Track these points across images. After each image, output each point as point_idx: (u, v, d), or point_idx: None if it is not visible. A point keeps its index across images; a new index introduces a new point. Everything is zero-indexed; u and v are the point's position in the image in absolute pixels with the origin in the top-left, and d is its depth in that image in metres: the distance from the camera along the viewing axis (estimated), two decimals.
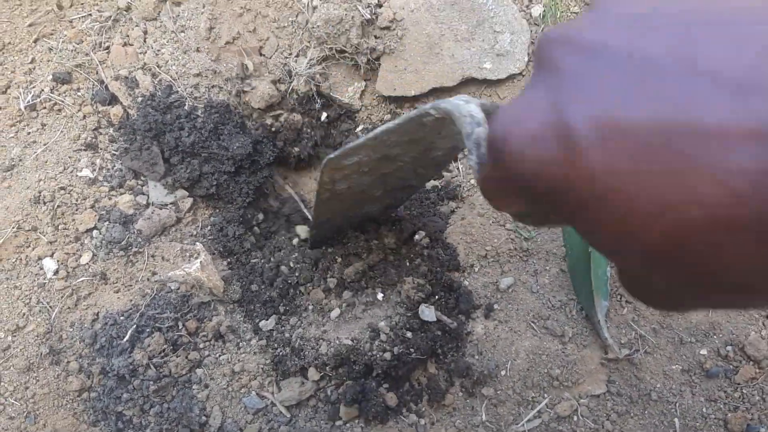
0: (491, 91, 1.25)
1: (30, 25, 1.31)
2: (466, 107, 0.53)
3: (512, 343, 1.12)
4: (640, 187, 0.29)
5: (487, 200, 0.46)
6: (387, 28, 1.24)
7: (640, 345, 1.12)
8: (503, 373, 1.11)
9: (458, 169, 1.26)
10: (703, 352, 1.13)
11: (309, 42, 1.25)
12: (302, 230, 1.27)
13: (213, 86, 1.25)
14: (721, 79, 0.28)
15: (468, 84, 1.25)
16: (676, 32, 0.31)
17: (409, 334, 1.07)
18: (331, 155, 0.83)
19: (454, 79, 1.24)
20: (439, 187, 1.27)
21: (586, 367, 1.11)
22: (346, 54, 1.25)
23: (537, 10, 1.25)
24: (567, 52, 0.35)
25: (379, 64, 1.26)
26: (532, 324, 1.12)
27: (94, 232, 1.18)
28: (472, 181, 1.25)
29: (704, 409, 1.11)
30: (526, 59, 1.23)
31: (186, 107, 1.22)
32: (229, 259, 1.23)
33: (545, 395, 1.10)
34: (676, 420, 1.10)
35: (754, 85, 0.27)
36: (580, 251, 1.12)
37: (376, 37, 1.24)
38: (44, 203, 1.18)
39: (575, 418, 1.09)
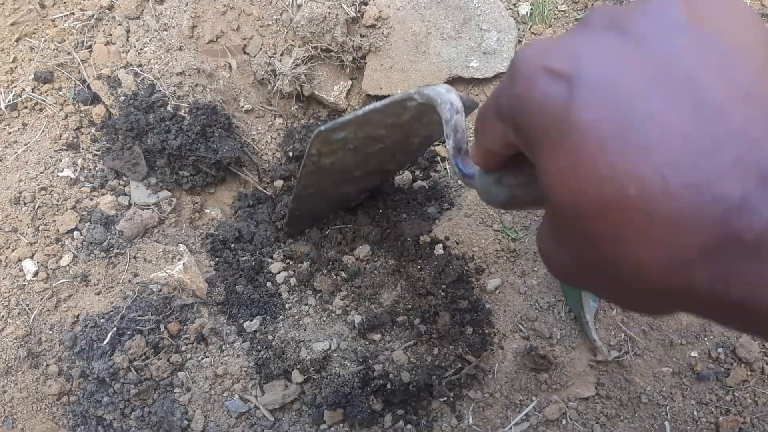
0: (479, 90, 1.24)
1: (12, 24, 1.29)
2: (447, 95, 0.59)
3: (500, 346, 1.10)
4: (605, 154, 0.33)
5: (477, 126, 0.48)
6: (372, 26, 1.22)
7: (629, 347, 1.10)
8: (490, 375, 1.09)
9: (446, 169, 1.25)
10: (694, 354, 1.11)
11: (294, 41, 1.24)
12: (276, 267, 1.22)
13: (197, 85, 1.23)
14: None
15: (455, 83, 1.24)
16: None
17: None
18: (322, 128, 0.86)
19: (440, 78, 1.22)
20: (427, 188, 1.25)
21: (575, 369, 1.09)
22: (332, 53, 1.24)
23: (524, 8, 1.23)
24: (614, 22, 0.38)
25: (365, 63, 1.25)
26: (520, 326, 1.11)
27: (75, 233, 1.16)
28: (460, 182, 1.23)
29: (695, 413, 1.09)
30: None
31: (169, 107, 1.20)
32: (216, 259, 1.21)
33: (533, 398, 1.08)
34: (666, 423, 1.08)
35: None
36: None
37: (361, 35, 1.23)
38: (25, 204, 1.16)
39: (564, 422, 1.08)
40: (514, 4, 1.24)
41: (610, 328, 1.11)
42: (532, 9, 1.23)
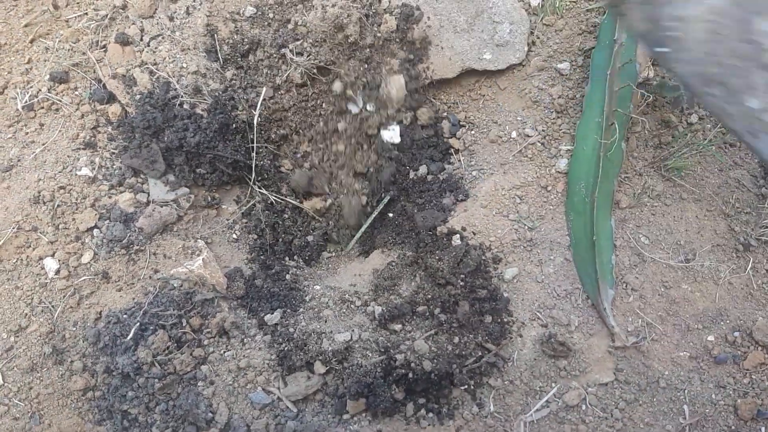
0: (491, 82, 1.25)
1: (26, 26, 1.30)
2: None
3: (518, 334, 1.11)
4: None
5: None
6: (386, 22, 1.23)
7: (647, 332, 1.11)
8: (510, 363, 1.10)
9: (460, 161, 1.26)
10: (711, 338, 1.12)
11: (307, 37, 1.25)
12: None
13: (211, 83, 1.24)
14: None
15: (468, 75, 1.25)
16: None
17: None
18: None
19: (453, 71, 1.23)
20: (441, 179, 1.26)
21: (594, 355, 1.11)
22: (345, 49, 1.25)
23: (536, 0, 1.24)
24: None
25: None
26: (538, 313, 1.12)
27: (95, 231, 1.17)
28: (474, 173, 1.24)
29: (713, 396, 1.10)
30: (526, 49, 1.22)
31: (186, 106, 1.21)
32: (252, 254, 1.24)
33: (553, 384, 1.09)
34: (685, 407, 1.10)
35: None
36: (585, 240, 1.12)
37: (375, 35, 1.24)
38: (44, 203, 1.17)
39: (583, 407, 1.09)
40: None
41: (627, 314, 1.12)
42: (543, 0, 1.24)
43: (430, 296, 1.10)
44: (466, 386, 1.07)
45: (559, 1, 1.24)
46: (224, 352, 1.11)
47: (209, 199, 1.25)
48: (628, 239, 1.15)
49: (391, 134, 1.26)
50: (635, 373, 1.11)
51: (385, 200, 1.29)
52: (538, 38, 1.24)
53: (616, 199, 1.16)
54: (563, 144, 1.19)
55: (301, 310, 1.17)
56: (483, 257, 1.13)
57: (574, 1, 1.25)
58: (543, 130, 1.20)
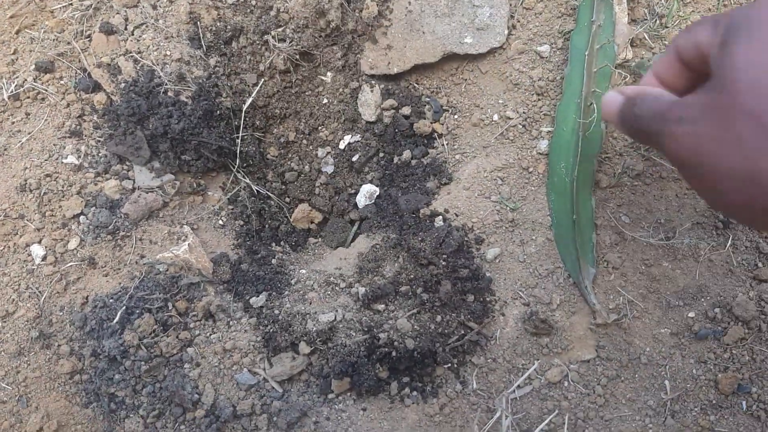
0: (473, 66, 1.26)
1: (11, 17, 1.31)
2: None
3: (501, 312, 1.12)
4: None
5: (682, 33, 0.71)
6: (367, 8, 1.24)
7: (628, 310, 1.13)
8: (492, 341, 1.11)
9: (443, 145, 1.27)
10: (691, 314, 1.14)
11: (289, 23, 1.26)
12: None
13: (194, 70, 1.25)
14: None
15: (450, 59, 1.26)
16: None
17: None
18: None
19: (435, 55, 1.25)
20: (425, 164, 1.27)
21: (575, 333, 1.12)
22: (327, 35, 1.26)
23: None
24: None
25: (363, 44, 1.27)
26: (520, 292, 1.13)
27: (81, 217, 1.18)
28: (457, 156, 1.25)
29: (694, 371, 1.12)
30: (506, 32, 1.23)
31: (170, 93, 1.23)
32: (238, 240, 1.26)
33: (535, 362, 1.11)
34: (666, 382, 1.11)
35: None
36: (566, 220, 1.13)
37: (356, 20, 1.25)
38: (30, 191, 1.18)
39: (566, 384, 1.10)
40: None
41: (609, 293, 1.14)
42: None
43: (412, 276, 1.11)
44: (449, 364, 1.09)
45: None
46: (210, 334, 1.13)
47: (195, 185, 1.26)
48: (609, 218, 1.17)
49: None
50: (617, 350, 1.12)
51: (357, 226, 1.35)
52: (519, 21, 1.25)
53: (597, 179, 1.17)
54: (544, 126, 1.20)
55: (287, 293, 1.18)
56: (465, 238, 1.14)
57: None
58: (524, 113, 1.22)
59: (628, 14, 1.26)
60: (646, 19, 1.26)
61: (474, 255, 1.14)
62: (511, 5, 1.25)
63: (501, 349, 1.11)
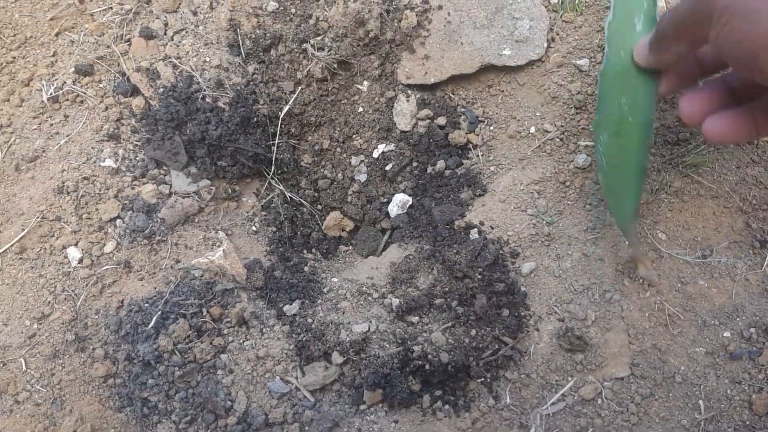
0: (510, 78, 1.26)
1: (51, 19, 1.33)
2: None
3: (535, 327, 1.12)
4: None
5: None
6: (406, 18, 1.24)
7: (669, 325, 1.12)
8: (526, 357, 1.11)
9: (478, 156, 1.27)
10: (727, 334, 1.13)
11: (328, 32, 1.26)
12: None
13: (233, 77, 1.26)
14: None
15: (487, 71, 1.26)
16: None
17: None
18: None
19: (473, 66, 1.24)
20: (459, 174, 1.27)
21: (610, 350, 1.11)
22: (365, 44, 1.26)
23: None
24: None
25: (401, 54, 1.27)
26: (555, 308, 1.12)
27: (118, 221, 1.19)
28: (492, 168, 1.25)
29: (729, 391, 1.11)
30: (545, 45, 1.23)
31: (208, 99, 1.23)
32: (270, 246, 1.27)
33: (569, 378, 1.10)
34: (700, 402, 1.10)
35: None
36: (629, 165, 1.00)
37: (396, 29, 1.25)
38: (68, 193, 1.19)
39: (599, 401, 1.09)
40: None
41: (644, 309, 1.13)
42: None
43: (447, 289, 1.11)
44: (482, 379, 1.08)
45: None
46: (243, 341, 1.13)
47: (230, 191, 1.27)
48: (646, 235, 1.16)
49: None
50: (651, 368, 1.11)
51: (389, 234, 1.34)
52: (558, 35, 1.25)
53: None
54: (582, 140, 1.20)
55: (319, 301, 1.19)
56: (501, 251, 1.14)
57: None
58: (561, 126, 1.21)
59: None
60: None
61: (509, 269, 1.13)
62: (550, 18, 1.24)
63: (535, 364, 1.10)
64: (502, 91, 1.27)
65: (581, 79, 1.23)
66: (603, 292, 1.13)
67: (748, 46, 0.64)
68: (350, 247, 1.37)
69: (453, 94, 1.30)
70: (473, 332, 1.09)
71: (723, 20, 0.66)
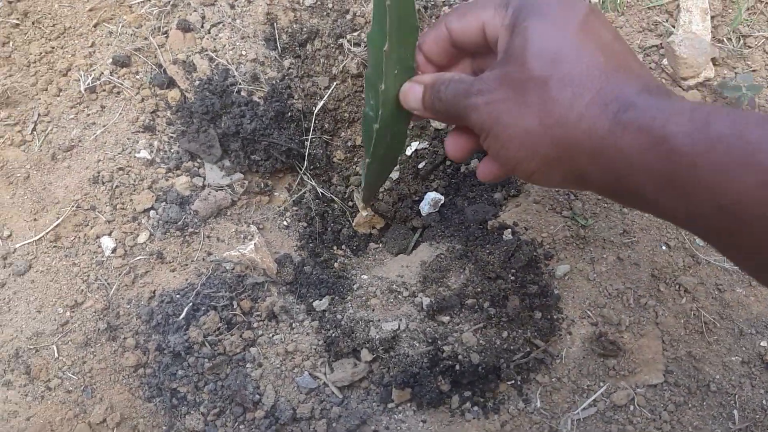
0: None
1: (90, 10, 1.34)
2: None
3: (568, 331, 1.10)
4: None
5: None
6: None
7: (705, 332, 1.10)
8: (558, 360, 1.09)
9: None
10: (764, 344, 1.10)
11: (365, 28, 1.26)
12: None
13: (268, 71, 1.26)
14: None
15: None
16: None
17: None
18: None
19: None
20: None
21: (643, 356, 1.09)
22: None
23: None
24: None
25: None
26: (588, 311, 1.11)
27: (152, 212, 1.19)
28: None
29: (764, 401, 1.08)
30: None
31: (244, 93, 1.23)
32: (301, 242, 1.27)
33: (601, 383, 1.08)
34: (735, 412, 1.08)
35: None
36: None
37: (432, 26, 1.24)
38: (103, 183, 1.20)
39: (631, 408, 1.08)
40: None
41: (679, 316, 1.11)
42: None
43: (479, 289, 1.10)
44: (512, 381, 1.07)
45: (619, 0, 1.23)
46: (273, 335, 1.13)
47: (262, 185, 1.27)
48: (683, 240, 1.14)
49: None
50: (685, 375, 1.09)
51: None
52: None
53: None
54: None
55: (349, 298, 1.18)
56: (534, 253, 1.12)
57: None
58: None
59: (711, 32, 1.22)
60: (730, 38, 1.23)
61: (543, 271, 1.12)
62: None
63: (566, 368, 1.09)
64: None
65: None
66: (638, 297, 1.11)
67: (505, 163, 0.72)
68: (380, 245, 1.36)
69: None
70: (505, 334, 1.08)
71: (482, 137, 0.73)
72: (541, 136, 0.66)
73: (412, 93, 0.84)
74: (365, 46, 1.24)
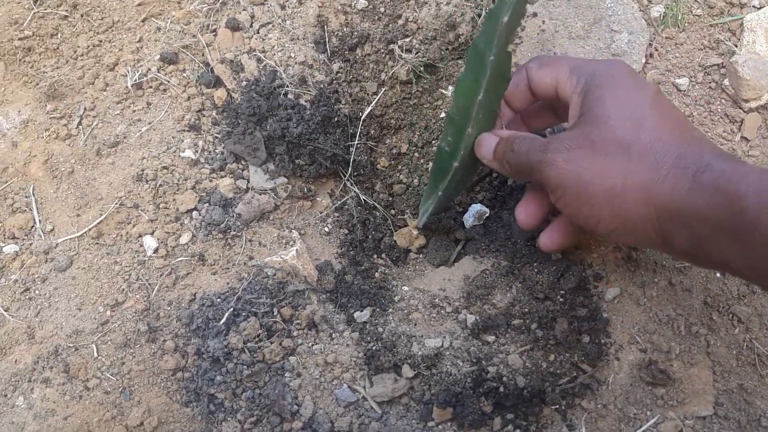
0: None
1: (139, 5, 1.32)
2: None
3: (616, 357, 1.07)
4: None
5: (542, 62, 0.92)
6: None
7: (758, 365, 1.06)
8: (605, 386, 1.06)
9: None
10: None
11: (417, 34, 1.23)
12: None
13: (317, 74, 1.23)
14: None
15: None
16: None
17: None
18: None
19: None
20: None
21: (693, 386, 1.06)
22: (454, 48, 1.22)
23: (657, 11, 1.19)
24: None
25: None
26: (637, 337, 1.08)
27: (194, 213, 1.18)
28: None
29: None
30: (644, 61, 1.17)
31: (290, 96, 1.21)
32: (342, 249, 1.25)
33: (648, 413, 1.05)
34: None
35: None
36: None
37: None
38: (146, 181, 1.19)
39: None
40: (647, 6, 1.20)
41: (732, 347, 1.07)
42: (665, 12, 1.19)
43: (526, 310, 1.07)
44: (557, 406, 1.04)
45: (681, 14, 1.19)
46: (312, 345, 1.11)
47: (305, 190, 1.25)
48: None
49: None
50: (736, 409, 1.06)
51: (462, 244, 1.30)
52: (657, 50, 1.19)
53: None
54: None
55: (390, 310, 1.16)
56: (584, 274, 1.09)
57: (697, 15, 1.20)
58: None
59: None
60: None
61: (592, 293, 1.09)
62: (650, 33, 1.19)
63: (613, 395, 1.06)
64: None
65: (679, 99, 1.17)
66: (689, 324, 1.08)
67: (585, 221, 0.79)
68: (420, 256, 1.33)
69: None
70: (551, 357, 1.05)
71: (557, 193, 0.79)
72: (625, 197, 0.71)
73: (486, 143, 0.91)
74: (416, 53, 1.22)
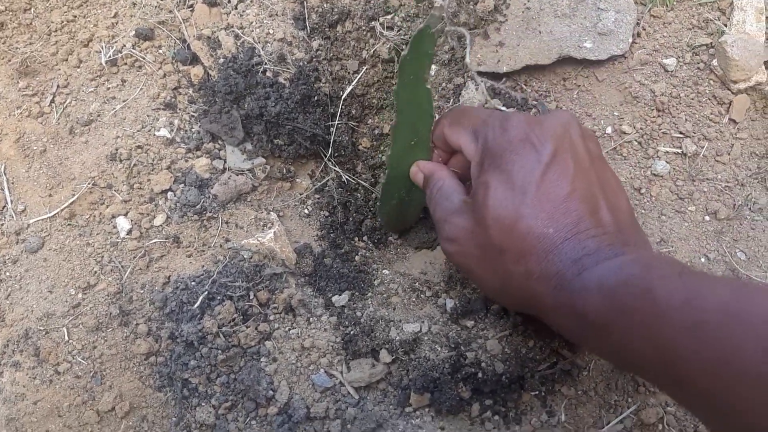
0: (589, 72, 1.18)
1: None
2: None
3: None
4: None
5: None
6: (483, 1, 1.17)
7: None
8: (585, 373, 1.05)
9: None
10: None
11: (399, 11, 1.20)
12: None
13: (296, 52, 1.20)
14: None
15: (564, 63, 1.18)
16: None
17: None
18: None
19: (549, 57, 1.17)
20: None
21: None
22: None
23: None
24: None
25: (473, 39, 1.20)
26: None
27: (169, 193, 1.15)
28: None
29: None
30: (630, 41, 1.15)
31: (269, 74, 1.18)
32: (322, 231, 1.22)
33: (629, 399, 1.04)
34: None
35: None
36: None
37: (469, 12, 1.18)
38: (120, 161, 1.16)
39: (660, 427, 1.03)
40: None
41: None
42: None
43: None
44: (536, 392, 1.03)
45: None
46: (289, 329, 1.09)
47: (284, 171, 1.22)
48: (724, 253, 1.08)
49: None
50: None
51: None
52: (644, 30, 1.16)
53: (714, 209, 1.09)
54: (662, 145, 1.12)
55: (369, 294, 1.14)
56: None
57: None
58: (641, 128, 1.13)
59: (766, 34, 1.15)
60: None
61: None
62: (638, 11, 1.16)
63: (594, 381, 1.04)
64: (579, 85, 1.19)
65: (666, 80, 1.15)
66: None
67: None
68: (401, 238, 1.31)
69: (525, 85, 1.22)
70: (531, 343, 1.03)
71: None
72: (505, 295, 0.83)
73: (416, 172, 1.00)
74: (398, 30, 1.19)
